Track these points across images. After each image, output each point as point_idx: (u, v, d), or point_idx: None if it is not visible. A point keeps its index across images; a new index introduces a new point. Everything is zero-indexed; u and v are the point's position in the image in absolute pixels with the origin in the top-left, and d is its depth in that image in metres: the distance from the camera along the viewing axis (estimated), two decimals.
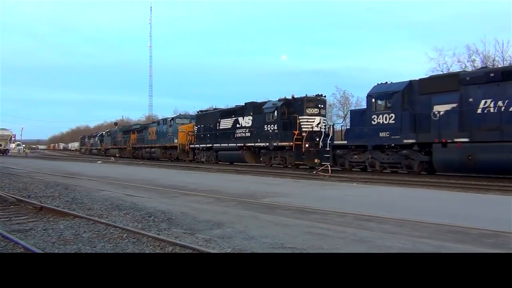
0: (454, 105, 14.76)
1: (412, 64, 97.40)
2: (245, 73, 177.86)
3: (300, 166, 20.84)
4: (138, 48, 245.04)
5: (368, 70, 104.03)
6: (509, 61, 33.86)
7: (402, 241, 5.39)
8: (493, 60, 34.35)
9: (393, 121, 16.37)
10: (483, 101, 14.12)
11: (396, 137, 16.16)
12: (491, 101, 13.91)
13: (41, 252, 4.89)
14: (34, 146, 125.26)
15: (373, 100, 17.33)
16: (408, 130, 15.90)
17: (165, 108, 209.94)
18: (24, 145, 79.59)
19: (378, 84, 17.81)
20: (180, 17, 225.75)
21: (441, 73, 15.98)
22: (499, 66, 32.49)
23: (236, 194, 10.55)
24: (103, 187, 12.38)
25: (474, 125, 14.22)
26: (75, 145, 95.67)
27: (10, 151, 56.14)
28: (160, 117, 62.33)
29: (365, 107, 18.19)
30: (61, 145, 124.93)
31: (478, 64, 35.46)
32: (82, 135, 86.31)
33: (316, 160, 19.44)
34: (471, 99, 14.42)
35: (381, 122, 16.82)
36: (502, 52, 33.87)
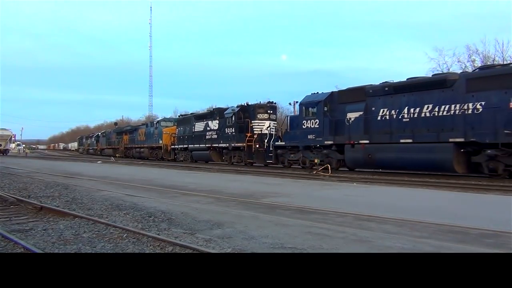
0: (361, 113, 17.76)
1: (412, 64, 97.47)
2: (245, 73, 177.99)
3: (255, 164, 23.91)
4: (138, 48, 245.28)
5: (368, 70, 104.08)
6: (509, 61, 33.85)
7: (402, 241, 5.38)
8: (493, 60, 34.31)
9: (317, 126, 19.55)
10: (381, 110, 17.09)
11: (319, 139, 19.30)
12: (387, 110, 16.88)
13: (41, 252, 4.89)
14: (34, 146, 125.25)
15: (304, 107, 20.47)
16: (328, 133, 18.94)
17: (165, 108, 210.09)
18: (24, 145, 79.67)
19: (312, 93, 20.64)
20: (180, 17, 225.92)
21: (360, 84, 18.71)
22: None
23: (236, 194, 10.55)
24: (103, 187, 12.37)
25: (374, 130, 17.20)
26: (75, 145, 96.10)
27: (10, 151, 56.15)
28: (160, 117, 65.10)
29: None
30: (61, 145, 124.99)
31: (478, 64, 35.45)
32: (81, 135, 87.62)
33: (316, 160, 19.56)
34: (373, 108, 17.37)
35: (309, 127, 19.96)
36: (502, 52, 33.87)
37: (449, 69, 35.72)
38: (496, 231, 5.92)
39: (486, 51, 34.46)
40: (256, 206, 8.67)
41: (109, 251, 5.01)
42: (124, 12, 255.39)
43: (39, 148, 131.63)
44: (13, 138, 58.89)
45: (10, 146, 57.74)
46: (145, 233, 5.85)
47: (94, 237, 5.74)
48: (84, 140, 75.98)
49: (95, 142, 62.69)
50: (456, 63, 35.43)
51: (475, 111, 14.23)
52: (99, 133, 62.84)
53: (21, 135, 79.63)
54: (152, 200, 9.44)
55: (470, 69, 34.16)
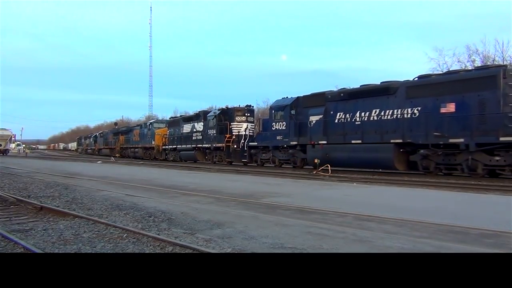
0: (321, 116, 19.66)
1: (412, 64, 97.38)
2: (245, 73, 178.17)
3: (233, 163, 25.98)
4: (138, 48, 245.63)
5: (368, 70, 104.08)
6: (509, 61, 33.81)
7: (402, 241, 5.38)
8: (493, 60, 34.27)
9: (285, 128, 21.52)
10: (338, 114, 18.97)
11: (286, 140, 21.33)
12: (343, 114, 18.72)
13: (41, 252, 4.89)
14: (34, 146, 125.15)
15: (273, 111, 22.71)
16: (293, 135, 20.90)
17: (166, 108, 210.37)
18: (24, 145, 79.62)
19: (282, 98, 22.64)
20: (180, 17, 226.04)
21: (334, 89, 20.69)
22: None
23: (236, 194, 10.55)
24: (103, 187, 12.37)
25: (331, 131, 19.11)
26: (74, 145, 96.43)
27: (10, 151, 56.11)
28: (160, 117, 66.93)
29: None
30: (61, 145, 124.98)
31: (478, 64, 35.36)
32: (80, 135, 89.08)
33: (316, 160, 19.61)
34: (331, 112, 19.28)
35: (278, 128, 22.02)
36: (502, 52, 33.84)
37: (449, 69, 35.67)
38: (496, 231, 5.91)
39: (486, 51, 34.44)
40: (256, 206, 8.67)
41: (109, 251, 5.01)
42: (124, 12, 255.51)
43: (39, 148, 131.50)
44: (13, 138, 58.83)
45: (10, 146, 57.70)
46: (145, 233, 5.85)
47: (94, 237, 5.74)
48: (82, 140, 77.77)
49: (93, 142, 64.57)
50: (456, 63, 35.40)
51: (413, 115, 16.08)
52: (97, 134, 65.01)
53: (21, 135, 79.71)
54: (152, 200, 9.44)
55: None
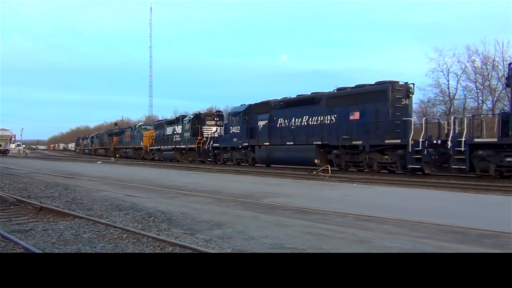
0: (267, 121, 22.98)
1: (413, 65, 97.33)
2: (245, 74, 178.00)
3: (204, 162, 28.78)
4: (139, 49, 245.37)
5: (368, 71, 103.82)
6: (509, 61, 33.82)
7: (402, 242, 5.39)
8: (493, 61, 34.30)
9: (239, 131, 25.02)
10: (279, 120, 22.25)
11: (240, 141, 24.80)
12: (283, 119, 22.00)
13: (41, 252, 4.89)
14: (34, 147, 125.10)
15: (231, 116, 26.71)
16: (245, 137, 24.29)
17: (165, 108, 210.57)
18: (24, 146, 79.61)
19: (241, 104, 25.84)
20: (180, 17, 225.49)
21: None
22: (499, 67, 33.07)
23: (236, 195, 10.55)
24: (103, 188, 12.37)
25: (274, 134, 22.36)
26: (74, 145, 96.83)
27: (10, 151, 56.09)
28: (160, 117, 68.77)
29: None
30: (61, 146, 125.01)
31: (478, 64, 35.40)
32: (78, 136, 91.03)
33: (316, 161, 19.67)
34: (274, 118, 22.63)
35: (234, 132, 25.58)
36: (502, 53, 33.85)
37: (449, 70, 35.77)
38: (496, 231, 5.92)
39: (486, 52, 34.46)
40: (256, 206, 8.67)
41: (109, 252, 5.01)
42: (124, 12, 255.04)
43: (39, 148, 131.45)
44: (13, 139, 58.77)
45: (10, 147, 57.62)
46: (145, 233, 5.85)
47: (94, 238, 5.74)
48: (80, 141, 80.00)
49: (90, 143, 66.72)
50: (456, 63, 35.43)
51: (331, 122, 19.42)
52: (94, 135, 67.80)
53: (21, 135, 79.50)
54: (152, 201, 9.44)
55: (470, 69, 34.27)
